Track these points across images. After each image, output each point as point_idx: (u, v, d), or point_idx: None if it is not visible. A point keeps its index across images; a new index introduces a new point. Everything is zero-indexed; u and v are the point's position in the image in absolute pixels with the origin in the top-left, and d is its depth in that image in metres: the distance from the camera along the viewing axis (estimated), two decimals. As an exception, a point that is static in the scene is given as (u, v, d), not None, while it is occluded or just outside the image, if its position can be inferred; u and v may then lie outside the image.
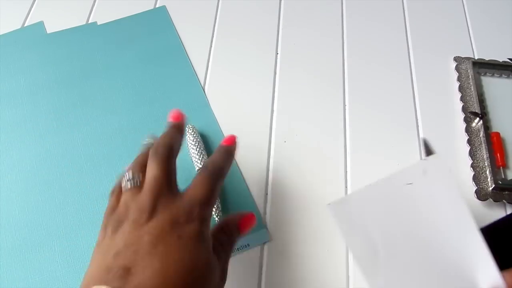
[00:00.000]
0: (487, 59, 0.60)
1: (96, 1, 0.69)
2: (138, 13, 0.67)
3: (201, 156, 0.50)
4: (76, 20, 0.66)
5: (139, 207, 0.33)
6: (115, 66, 0.61)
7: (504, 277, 0.33)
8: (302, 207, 0.50)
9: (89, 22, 0.66)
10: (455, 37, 0.63)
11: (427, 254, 0.34)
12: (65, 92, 0.59)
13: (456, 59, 0.60)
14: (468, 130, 0.54)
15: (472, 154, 0.52)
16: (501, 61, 0.59)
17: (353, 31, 0.64)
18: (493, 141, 0.52)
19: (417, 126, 0.56)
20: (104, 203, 0.37)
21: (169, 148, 0.37)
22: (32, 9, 0.68)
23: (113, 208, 0.35)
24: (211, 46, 0.63)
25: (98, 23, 0.66)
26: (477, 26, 0.64)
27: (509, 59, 0.59)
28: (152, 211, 0.33)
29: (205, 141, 0.53)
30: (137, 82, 0.59)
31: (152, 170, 0.35)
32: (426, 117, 0.56)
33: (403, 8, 0.67)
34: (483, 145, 0.52)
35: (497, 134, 0.53)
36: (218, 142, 0.43)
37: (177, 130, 0.40)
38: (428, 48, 0.62)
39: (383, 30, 0.64)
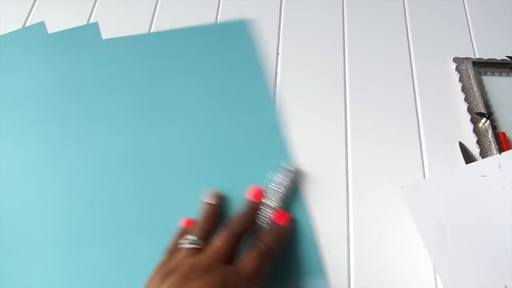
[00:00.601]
0: (485, 58, 0.51)
1: (97, 1, 0.59)
2: (220, 23, 0.56)
3: (277, 198, 0.41)
4: (77, 20, 0.58)
5: (193, 265, 0.31)
6: (185, 73, 0.52)
7: None
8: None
9: (90, 22, 0.57)
10: (455, 37, 0.54)
11: (494, 245, 0.31)
12: (138, 94, 0.51)
13: (455, 59, 0.52)
14: (476, 131, 0.45)
15: (482, 155, 0.44)
16: (499, 59, 0.51)
17: (354, 32, 0.55)
18: (502, 141, 0.44)
19: (418, 127, 0.47)
20: (163, 212, 0.39)
21: (242, 228, 0.36)
22: (33, 9, 0.60)
23: (166, 262, 0.33)
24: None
25: (99, 23, 0.57)
26: (478, 26, 0.55)
27: (507, 57, 0.51)
28: (205, 272, 0.31)
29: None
30: (210, 93, 0.50)
31: (220, 241, 0.34)
32: (429, 119, 0.48)
33: (404, 9, 0.58)
34: (492, 145, 0.44)
35: (504, 134, 0.45)
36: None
37: (254, 211, 0.39)
38: (428, 49, 0.53)
39: (384, 31, 0.55)
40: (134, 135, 0.47)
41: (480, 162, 0.33)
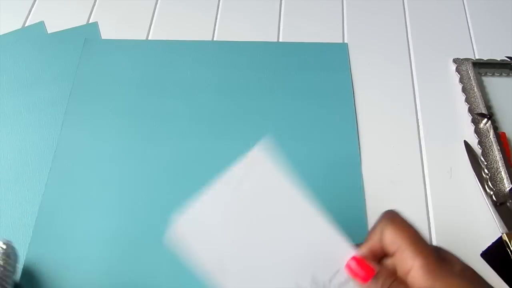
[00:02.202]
0: (485, 59, 0.50)
1: (97, 1, 0.58)
2: (320, 43, 0.53)
3: None
4: (77, 20, 0.57)
5: None
6: (269, 88, 0.49)
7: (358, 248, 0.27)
8: None
9: (90, 22, 0.56)
10: (455, 38, 0.53)
11: (267, 248, 0.28)
12: (219, 100, 0.48)
13: (455, 60, 0.51)
14: (477, 131, 0.44)
15: (484, 155, 0.42)
16: (499, 59, 0.50)
17: (354, 32, 0.54)
18: (503, 141, 0.43)
19: (418, 128, 0.46)
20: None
21: None
22: (33, 9, 0.59)
23: None
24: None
25: (99, 23, 0.56)
26: (478, 26, 0.54)
27: (507, 57, 0.50)
28: None
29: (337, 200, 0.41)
30: (292, 112, 0.47)
31: None
32: (430, 120, 0.47)
33: (404, 10, 0.57)
34: (494, 146, 0.43)
35: (504, 134, 0.44)
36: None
37: None
38: (428, 50, 0.52)
39: (383, 32, 0.54)
40: (201, 143, 0.45)
41: (229, 172, 0.29)
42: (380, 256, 0.27)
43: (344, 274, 0.28)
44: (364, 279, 0.26)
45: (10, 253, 0.34)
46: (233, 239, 0.29)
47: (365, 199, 0.41)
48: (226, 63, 0.51)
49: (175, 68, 0.51)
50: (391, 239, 0.26)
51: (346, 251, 0.28)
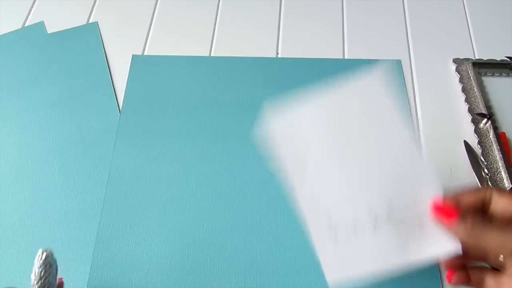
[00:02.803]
0: (485, 59, 0.50)
1: (97, 1, 0.58)
2: (371, 60, 0.51)
3: None
4: (77, 20, 0.57)
5: None
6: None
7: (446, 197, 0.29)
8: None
9: (90, 22, 0.56)
10: (454, 38, 0.53)
11: (361, 162, 0.30)
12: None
13: (455, 60, 0.50)
14: (477, 131, 0.44)
15: (484, 155, 0.42)
16: (499, 59, 0.50)
17: (353, 33, 0.54)
18: (503, 141, 0.43)
19: (418, 128, 0.46)
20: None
21: None
22: (33, 9, 0.59)
23: None
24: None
25: (99, 23, 0.56)
26: (478, 27, 0.54)
27: (507, 57, 0.50)
28: None
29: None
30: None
31: None
32: (430, 121, 0.47)
33: (404, 10, 0.57)
34: (494, 146, 0.43)
35: (504, 134, 0.44)
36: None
37: None
38: (428, 51, 0.52)
39: (383, 32, 0.54)
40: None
41: (354, 83, 0.31)
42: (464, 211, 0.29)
43: (419, 209, 0.29)
44: (449, 216, 0.28)
45: (52, 263, 0.33)
46: (321, 149, 0.31)
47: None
48: (281, 80, 0.49)
49: (228, 85, 0.49)
50: (509, 200, 0.28)
51: (433, 190, 0.29)
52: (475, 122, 0.45)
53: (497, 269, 0.29)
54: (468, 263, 0.31)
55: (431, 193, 0.29)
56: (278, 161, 0.31)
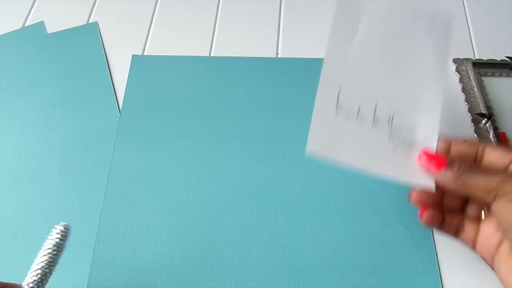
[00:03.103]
0: (485, 59, 0.50)
1: (97, 1, 0.58)
2: None
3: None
4: (77, 20, 0.57)
5: None
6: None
7: (439, 142, 0.31)
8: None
9: (90, 22, 0.56)
10: (454, 38, 0.53)
11: (389, 70, 0.33)
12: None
13: (455, 60, 0.50)
14: (477, 131, 0.44)
15: (484, 156, 0.42)
16: (499, 60, 0.50)
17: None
18: (503, 141, 0.43)
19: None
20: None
21: None
22: (33, 9, 0.59)
23: None
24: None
25: (99, 23, 0.56)
26: (477, 26, 0.54)
27: (507, 57, 0.50)
28: None
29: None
30: None
31: None
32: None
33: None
34: (494, 146, 0.43)
35: (504, 134, 0.44)
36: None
37: None
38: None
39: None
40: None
41: (420, 7, 0.34)
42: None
43: (413, 135, 0.32)
44: (438, 167, 0.29)
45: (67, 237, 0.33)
46: (369, 39, 0.34)
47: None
48: (282, 80, 0.49)
49: (228, 85, 0.49)
50: (501, 153, 0.29)
51: (429, 138, 0.32)
52: (475, 122, 0.45)
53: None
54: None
55: (429, 131, 0.32)
56: (335, 19, 0.34)
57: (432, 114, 0.32)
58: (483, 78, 0.49)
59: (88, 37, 0.54)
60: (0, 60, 0.53)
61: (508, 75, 0.49)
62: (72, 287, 0.38)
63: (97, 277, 0.38)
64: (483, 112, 0.45)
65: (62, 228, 0.33)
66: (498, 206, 0.26)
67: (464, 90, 0.48)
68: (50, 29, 0.55)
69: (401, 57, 0.34)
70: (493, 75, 0.50)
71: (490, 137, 0.43)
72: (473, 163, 0.30)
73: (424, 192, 0.31)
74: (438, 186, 0.30)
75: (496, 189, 0.26)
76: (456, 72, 0.49)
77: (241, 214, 0.41)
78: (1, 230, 0.41)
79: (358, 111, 0.32)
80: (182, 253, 0.39)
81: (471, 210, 0.31)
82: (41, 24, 0.56)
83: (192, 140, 0.45)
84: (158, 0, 0.58)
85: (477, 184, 0.27)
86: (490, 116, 0.45)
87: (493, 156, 0.29)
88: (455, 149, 0.31)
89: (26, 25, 0.56)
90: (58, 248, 0.33)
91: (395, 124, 0.32)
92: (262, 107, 0.47)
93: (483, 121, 0.45)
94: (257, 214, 0.41)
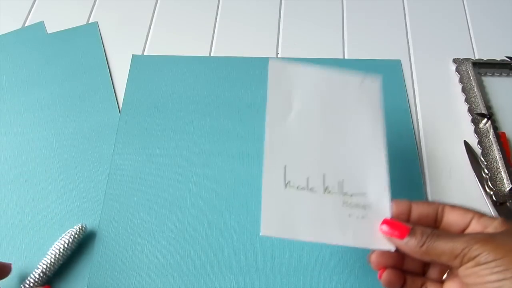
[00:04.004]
0: (485, 59, 0.50)
1: (97, 1, 0.58)
2: (374, 60, 0.51)
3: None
4: (77, 20, 0.57)
5: None
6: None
7: (393, 204, 0.31)
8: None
9: (90, 22, 0.56)
10: (454, 38, 0.53)
11: (330, 140, 0.34)
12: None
13: (455, 60, 0.50)
14: (477, 131, 0.44)
15: (484, 155, 0.42)
16: (499, 59, 0.50)
17: (353, 33, 0.54)
18: (503, 141, 0.43)
19: (419, 128, 0.46)
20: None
21: None
22: (33, 9, 0.59)
23: None
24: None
25: (99, 23, 0.56)
26: (477, 26, 0.54)
27: (507, 57, 0.50)
28: None
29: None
30: None
31: None
32: (430, 121, 0.47)
33: (404, 10, 0.57)
34: (494, 145, 0.43)
35: (504, 134, 0.44)
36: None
37: None
38: (428, 51, 0.52)
39: (383, 32, 0.54)
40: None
41: (347, 73, 0.36)
42: (406, 218, 0.30)
43: (366, 200, 0.32)
44: (401, 235, 0.28)
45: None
46: (307, 109, 0.34)
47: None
48: None
49: (228, 85, 0.49)
50: (460, 213, 0.29)
51: (382, 202, 0.31)
52: (475, 122, 0.45)
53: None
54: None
55: (380, 194, 0.32)
56: (268, 99, 0.34)
57: (380, 175, 0.33)
58: (483, 78, 0.49)
59: (88, 37, 0.54)
60: (0, 60, 0.53)
61: (508, 75, 0.50)
62: (72, 287, 0.38)
63: (97, 277, 0.38)
64: (483, 112, 0.45)
65: (75, 229, 0.38)
66: (466, 271, 0.26)
67: (464, 90, 0.48)
68: (50, 29, 0.55)
69: (339, 125, 0.34)
70: (493, 75, 0.50)
71: (490, 137, 0.43)
72: (435, 226, 0.30)
73: (384, 255, 0.30)
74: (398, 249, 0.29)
75: (462, 254, 0.26)
76: (456, 72, 0.50)
77: (241, 214, 0.41)
78: (1, 230, 0.41)
79: (307, 185, 0.32)
80: (182, 253, 0.39)
81: (433, 272, 0.31)
82: (41, 24, 0.56)
83: (192, 140, 0.45)
84: (158, 0, 0.58)
85: (442, 250, 0.27)
86: (490, 116, 0.45)
87: (453, 216, 0.29)
88: (416, 211, 0.30)
89: (26, 25, 0.56)
90: (68, 247, 0.37)
91: (346, 191, 0.32)
92: (262, 107, 0.47)
93: (483, 121, 0.45)
94: (257, 214, 0.40)
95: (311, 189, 0.32)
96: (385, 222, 0.30)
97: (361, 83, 0.36)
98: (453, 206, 0.29)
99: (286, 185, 0.31)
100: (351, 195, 0.32)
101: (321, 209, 0.31)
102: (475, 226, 0.28)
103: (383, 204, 0.31)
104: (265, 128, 0.33)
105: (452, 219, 0.29)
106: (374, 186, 0.32)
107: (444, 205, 0.29)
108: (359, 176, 0.32)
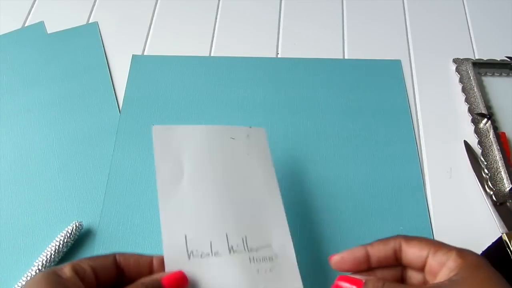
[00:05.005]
0: (485, 59, 0.50)
1: (97, 1, 0.58)
2: (373, 60, 0.51)
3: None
4: (77, 20, 0.57)
5: None
6: (322, 107, 0.47)
7: (350, 254, 0.29)
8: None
9: (90, 22, 0.56)
10: (454, 38, 0.53)
11: (227, 198, 0.33)
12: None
13: (455, 60, 0.51)
14: (477, 131, 0.44)
15: (484, 155, 0.42)
16: (499, 59, 0.50)
17: (354, 32, 0.54)
18: (503, 141, 0.43)
19: (418, 128, 0.46)
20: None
21: None
22: (33, 9, 0.59)
23: None
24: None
25: (99, 23, 0.56)
26: (477, 26, 0.54)
27: (507, 57, 0.50)
28: None
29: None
30: (346, 131, 0.45)
31: None
32: (430, 121, 0.47)
33: (404, 10, 0.57)
34: (494, 146, 0.43)
35: (504, 134, 0.44)
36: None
37: None
38: (428, 51, 0.52)
39: (383, 32, 0.54)
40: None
41: (232, 127, 0.37)
42: (367, 264, 0.29)
43: (271, 250, 0.32)
44: None
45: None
46: (199, 170, 0.34)
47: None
48: (281, 80, 0.49)
49: (228, 85, 0.49)
50: (416, 250, 0.27)
51: (285, 247, 0.32)
52: (475, 122, 0.45)
53: None
54: None
55: (283, 241, 0.32)
56: (157, 168, 0.33)
57: (280, 223, 0.33)
58: (483, 78, 0.49)
59: (88, 37, 0.54)
60: (0, 60, 0.53)
61: (508, 75, 0.50)
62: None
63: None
64: (483, 112, 0.45)
65: (71, 227, 0.38)
66: None
67: (464, 90, 0.48)
68: (50, 29, 0.55)
69: (232, 180, 0.34)
70: (493, 75, 0.50)
71: (490, 137, 0.43)
72: (398, 264, 0.29)
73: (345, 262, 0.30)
74: None
75: None
76: (456, 72, 0.50)
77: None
78: (1, 230, 0.41)
79: (211, 250, 0.31)
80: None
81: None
82: (41, 24, 0.56)
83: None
84: (158, 0, 0.58)
85: None
86: (490, 116, 0.45)
87: (410, 254, 0.28)
88: (375, 255, 0.29)
89: (26, 25, 0.56)
90: (64, 244, 0.38)
91: (250, 247, 0.31)
92: (262, 107, 0.47)
93: (483, 121, 0.45)
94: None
95: (216, 253, 0.31)
96: (340, 279, 0.29)
97: (247, 135, 0.37)
98: (408, 240, 0.28)
99: (189, 256, 0.30)
100: (257, 250, 0.31)
101: (229, 272, 0.30)
102: (432, 264, 0.27)
103: (287, 251, 0.32)
104: (158, 198, 0.32)
105: (410, 257, 0.28)
106: (277, 234, 0.32)
107: (400, 239, 0.28)
108: (261, 228, 0.32)
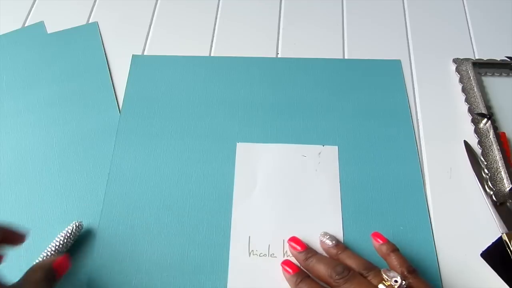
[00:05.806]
0: (485, 59, 0.50)
1: (97, 1, 0.58)
2: (374, 60, 0.51)
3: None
4: (77, 20, 0.57)
5: None
6: (320, 108, 0.47)
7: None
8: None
9: (90, 22, 0.56)
10: (454, 38, 0.53)
11: (289, 210, 0.40)
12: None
13: (455, 60, 0.51)
14: (477, 131, 0.44)
15: (484, 155, 0.42)
16: (499, 59, 0.50)
17: (354, 32, 0.54)
18: (503, 141, 0.43)
19: (418, 128, 0.46)
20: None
21: None
22: (33, 9, 0.59)
23: None
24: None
25: (99, 23, 0.56)
26: (477, 26, 0.54)
27: (507, 57, 0.50)
28: None
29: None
30: (349, 131, 0.45)
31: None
32: (430, 121, 0.47)
33: (404, 10, 0.57)
34: (494, 145, 0.43)
35: (504, 134, 0.44)
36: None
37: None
38: (428, 51, 0.52)
39: (383, 33, 0.54)
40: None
41: (306, 146, 0.43)
42: None
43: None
44: (289, 272, 0.36)
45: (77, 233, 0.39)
46: (269, 181, 0.42)
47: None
48: (281, 80, 0.49)
49: (228, 85, 0.49)
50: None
51: None
52: (475, 122, 0.45)
53: None
54: None
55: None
56: (236, 179, 0.42)
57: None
58: (483, 78, 0.49)
59: (88, 37, 0.54)
60: (0, 60, 0.53)
61: (508, 75, 0.50)
62: (72, 287, 0.38)
63: (96, 277, 0.38)
64: (483, 112, 0.45)
65: (71, 227, 0.38)
66: None
67: (464, 90, 0.48)
68: (50, 29, 0.56)
69: (296, 196, 0.40)
70: (493, 75, 0.50)
71: (490, 137, 0.43)
72: (313, 280, 0.35)
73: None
74: None
75: None
76: (456, 72, 0.50)
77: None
78: (1, 230, 0.41)
79: (269, 251, 0.38)
80: (182, 253, 0.39)
81: None
82: (41, 24, 0.56)
83: (192, 140, 0.45)
84: (158, 0, 0.58)
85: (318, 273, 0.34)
86: (490, 116, 0.45)
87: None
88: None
89: (26, 25, 0.56)
90: (63, 244, 0.38)
91: None
92: (262, 107, 0.47)
93: (483, 121, 0.45)
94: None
95: (272, 255, 0.38)
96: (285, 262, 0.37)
97: (319, 152, 0.42)
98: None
99: (250, 254, 0.38)
100: None
101: (281, 271, 0.36)
102: None
103: None
104: (232, 205, 0.40)
105: None
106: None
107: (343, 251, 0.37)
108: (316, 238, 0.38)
